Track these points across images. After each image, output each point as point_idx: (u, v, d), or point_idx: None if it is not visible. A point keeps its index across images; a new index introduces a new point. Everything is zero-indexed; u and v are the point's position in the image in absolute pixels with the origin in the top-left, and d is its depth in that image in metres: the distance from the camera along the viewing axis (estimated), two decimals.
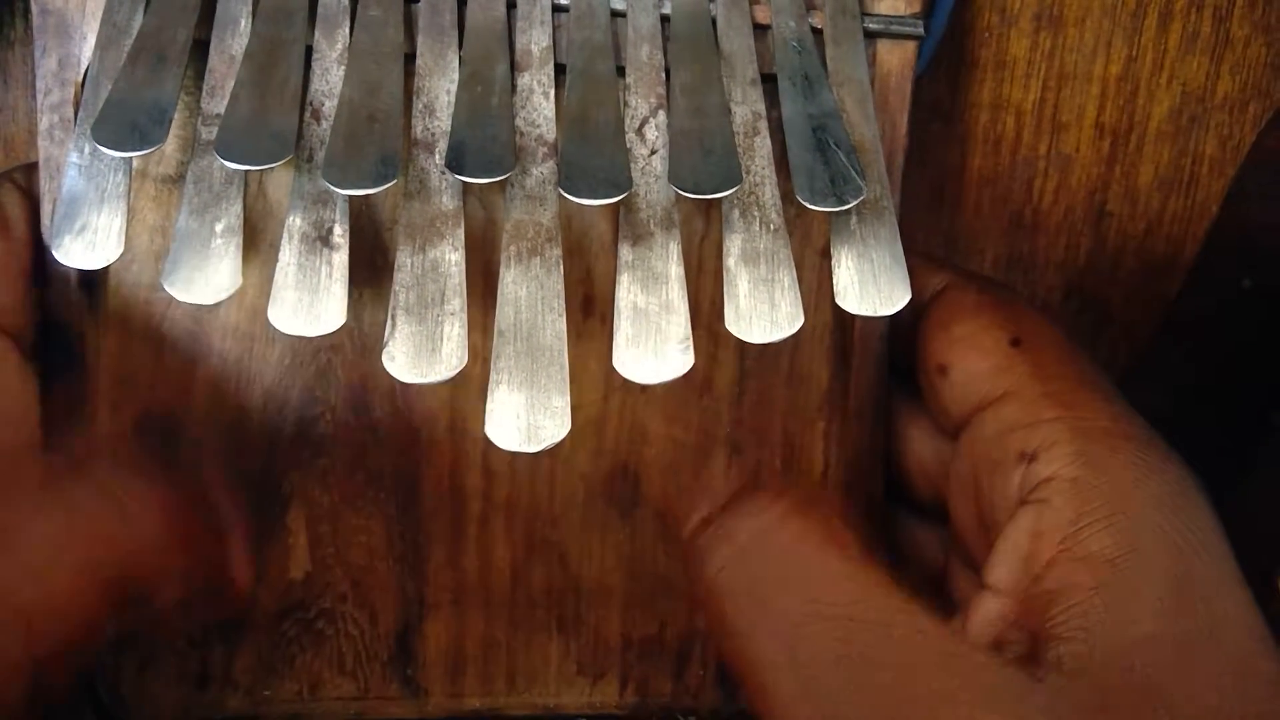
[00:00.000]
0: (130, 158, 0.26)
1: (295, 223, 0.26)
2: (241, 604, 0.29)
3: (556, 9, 0.29)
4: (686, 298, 0.26)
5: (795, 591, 0.23)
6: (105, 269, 0.28)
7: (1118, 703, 0.21)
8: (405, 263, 0.26)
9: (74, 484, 0.25)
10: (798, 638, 0.22)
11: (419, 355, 0.25)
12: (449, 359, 0.25)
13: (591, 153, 0.26)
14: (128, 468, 0.26)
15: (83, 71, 0.27)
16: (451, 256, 0.26)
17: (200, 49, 0.27)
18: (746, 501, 0.25)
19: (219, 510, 0.28)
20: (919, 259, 0.29)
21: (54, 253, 0.25)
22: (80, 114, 0.26)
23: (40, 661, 0.22)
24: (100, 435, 0.28)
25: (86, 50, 0.27)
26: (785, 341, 0.26)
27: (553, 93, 0.28)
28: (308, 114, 0.27)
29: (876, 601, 0.22)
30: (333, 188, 0.24)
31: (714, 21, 0.29)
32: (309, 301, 0.25)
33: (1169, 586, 0.22)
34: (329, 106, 0.27)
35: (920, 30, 0.29)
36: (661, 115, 0.28)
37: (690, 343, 0.25)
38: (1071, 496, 0.24)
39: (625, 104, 0.28)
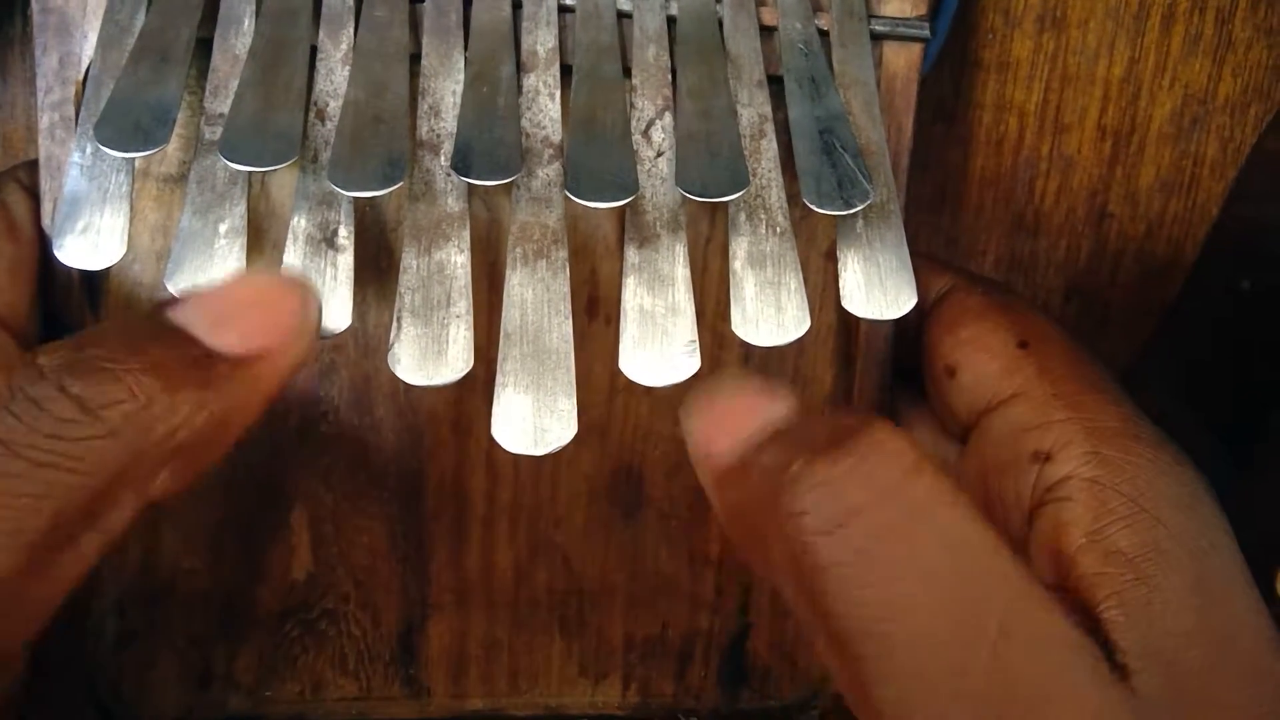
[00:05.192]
0: (133, 158, 0.25)
1: (300, 224, 0.26)
2: None
3: (562, 9, 0.29)
4: (693, 300, 0.26)
5: (935, 571, 0.19)
6: (107, 269, 0.27)
7: (1187, 705, 0.21)
8: (410, 265, 0.25)
9: None
10: (928, 628, 0.19)
11: (425, 358, 0.25)
12: (455, 361, 0.25)
13: (598, 155, 0.26)
14: None
15: (84, 70, 0.27)
16: (457, 259, 0.26)
17: (203, 48, 0.27)
18: (861, 444, 0.20)
19: None
20: (923, 260, 0.29)
21: (56, 253, 0.25)
22: (82, 113, 0.26)
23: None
24: None
25: (88, 49, 0.27)
26: (790, 344, 0.26)
27: (559, 94, 0.28)
28: (312, 114, 0.27)
29: (1026, 601, 0.20)
30: (338, 189, 0.24)
31: (720, 23, 0.29)
32: None
33: (1191, 586, 0.22)
34: (334, 107, 0.27)
35: (926, 32, 0.29)
36: (668, 117, 0.28)
37: (696, 345, 0.25)
38: (1091, 495, 0.24)
39: (631, 106, 0.28)
